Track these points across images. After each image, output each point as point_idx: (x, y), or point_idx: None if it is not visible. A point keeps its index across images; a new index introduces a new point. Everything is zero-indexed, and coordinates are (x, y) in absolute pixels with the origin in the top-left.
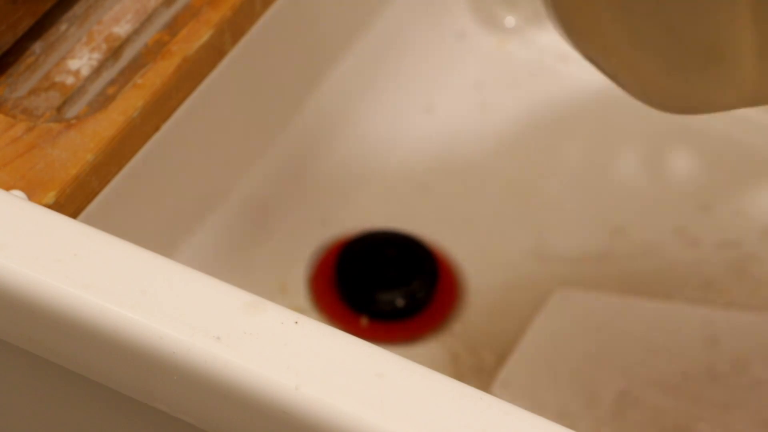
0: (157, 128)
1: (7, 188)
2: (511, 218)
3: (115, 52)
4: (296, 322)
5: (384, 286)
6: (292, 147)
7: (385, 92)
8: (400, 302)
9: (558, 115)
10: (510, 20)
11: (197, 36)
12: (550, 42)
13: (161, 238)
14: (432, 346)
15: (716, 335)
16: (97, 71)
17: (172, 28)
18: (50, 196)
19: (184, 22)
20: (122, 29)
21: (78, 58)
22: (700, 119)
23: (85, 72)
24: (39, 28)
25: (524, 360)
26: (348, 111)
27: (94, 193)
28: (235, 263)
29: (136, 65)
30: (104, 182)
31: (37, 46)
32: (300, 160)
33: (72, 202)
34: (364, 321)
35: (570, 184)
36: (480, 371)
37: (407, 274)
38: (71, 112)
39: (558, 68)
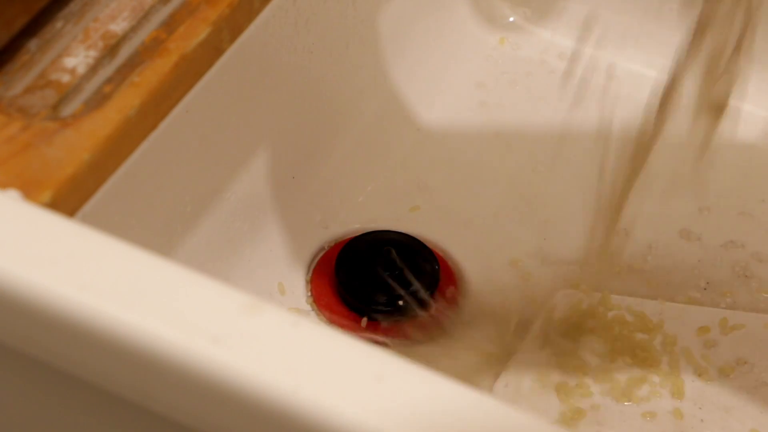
0: (154, 127)
1: (2, 187)
2: (512, 218)
3: (111, 50)
4: (295, 324)
5: (384, 286)
6: (291, 146)
7: (384, 90)
8: (400, 302)
9: (559, 113)
10: (511, 18)
11: (195, 34)
12: (551, 40)
13: (158, 238)
14: (432, 346)
15: (720, 337)
16: (93, 69)
17: (170, 25)
18: (46, 196)
19: (182, 19)
20: (119, 27)
21: (74, 56)
22: None
23: (81, 70)
24: (34, 26)
25: (525, 361)
26: (347, 109)
27: (91, 193)
28: (233, 263)
29: (133, 63)
30: (101, 181)
31: (32, 44)
32: (299, 159)
33: (68, 202)
34: (363, 321)
35: (572, 184)
36: (481, 372)
37: (407, 274)
38: (67, 110)
39: (559, 66)
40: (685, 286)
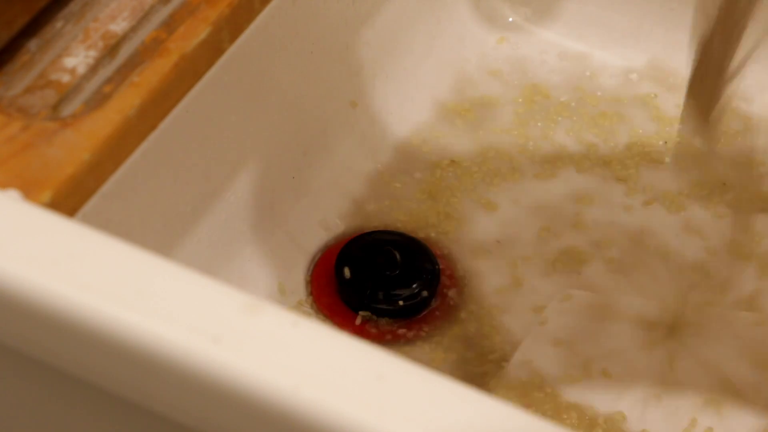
0: (153, 127)
1: (2, 187)
2: (512, 217)
3: (111, 50)
4: (295, 324)
5: (384, 286)
6: (291, 146)
7: (385, 90)
8: (400, 302)
9: (559, 112)
10: (511, 18)
11: (195, 33)
12: (551, 40)
13: (158, 238)
14: (432, 346)
15: (733, 334)
16: (93, 69)
17: (170, 25)
18: (46, 196)
19: (182, 19)
20: (119, 27)
21: (74, 56)
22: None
23: (81, 70)
24: (35, 26)
25: (525, 361)
26: (347, 110)
27: (91, 193)
28: (233, 264)
29: (133, 63)
30: (100, 181)
31: (32, 44)
32: (299, 159)
33: (68, 202)
34: (358, 319)
35: (573, 183)
36: (481, 372)
37: (407, 274)
38: (67, 110)
39: (559, 66)
40: (688, 286)
